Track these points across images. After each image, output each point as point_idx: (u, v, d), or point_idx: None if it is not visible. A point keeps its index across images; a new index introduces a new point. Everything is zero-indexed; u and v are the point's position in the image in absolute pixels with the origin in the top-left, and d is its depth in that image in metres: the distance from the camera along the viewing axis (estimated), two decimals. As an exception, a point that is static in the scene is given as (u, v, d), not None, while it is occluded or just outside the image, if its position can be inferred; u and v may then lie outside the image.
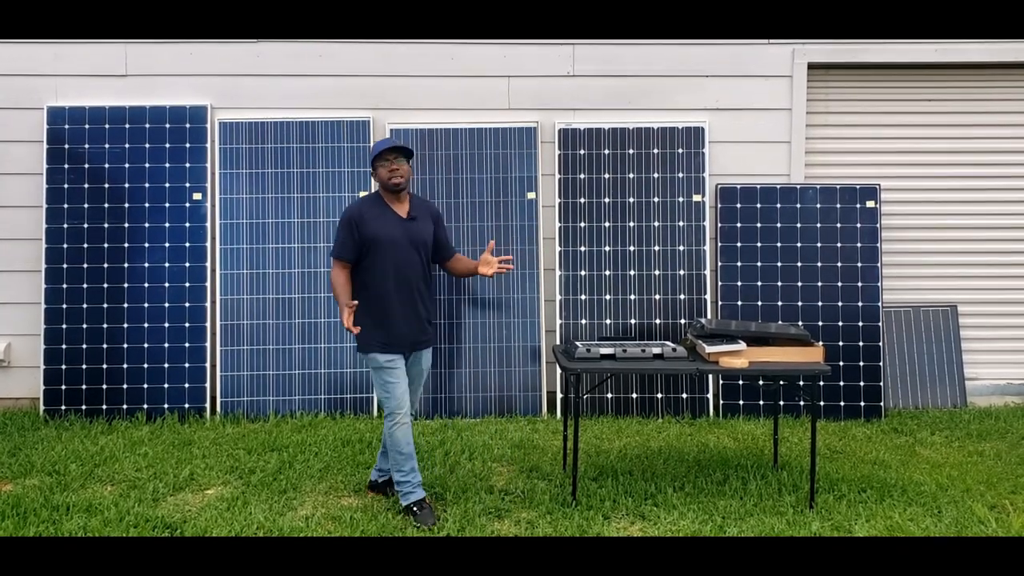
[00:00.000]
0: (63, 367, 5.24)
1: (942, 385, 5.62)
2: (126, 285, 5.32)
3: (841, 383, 5.34)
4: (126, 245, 5.34)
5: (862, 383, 5.33)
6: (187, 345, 5.29)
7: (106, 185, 5.36)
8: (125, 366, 5.26)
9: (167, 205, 5.36)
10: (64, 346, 5.25)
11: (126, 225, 5.35)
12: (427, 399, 5.30)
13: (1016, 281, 5.81)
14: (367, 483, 3.96)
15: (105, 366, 5.25)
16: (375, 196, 3.72)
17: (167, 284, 5.32)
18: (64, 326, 5.26)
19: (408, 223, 3.65)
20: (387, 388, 3.61)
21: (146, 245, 5.34)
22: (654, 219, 5.45)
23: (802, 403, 5.31)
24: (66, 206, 5.33)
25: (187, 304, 5.32)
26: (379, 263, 3.59)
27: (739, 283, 5.41)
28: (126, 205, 5.36)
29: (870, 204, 5.42)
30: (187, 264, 5.34)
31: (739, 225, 5.45)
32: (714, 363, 3.70)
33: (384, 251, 3.58)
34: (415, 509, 3.58)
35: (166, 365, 5.27)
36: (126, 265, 5.33)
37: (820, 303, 5.38)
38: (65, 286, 5.29)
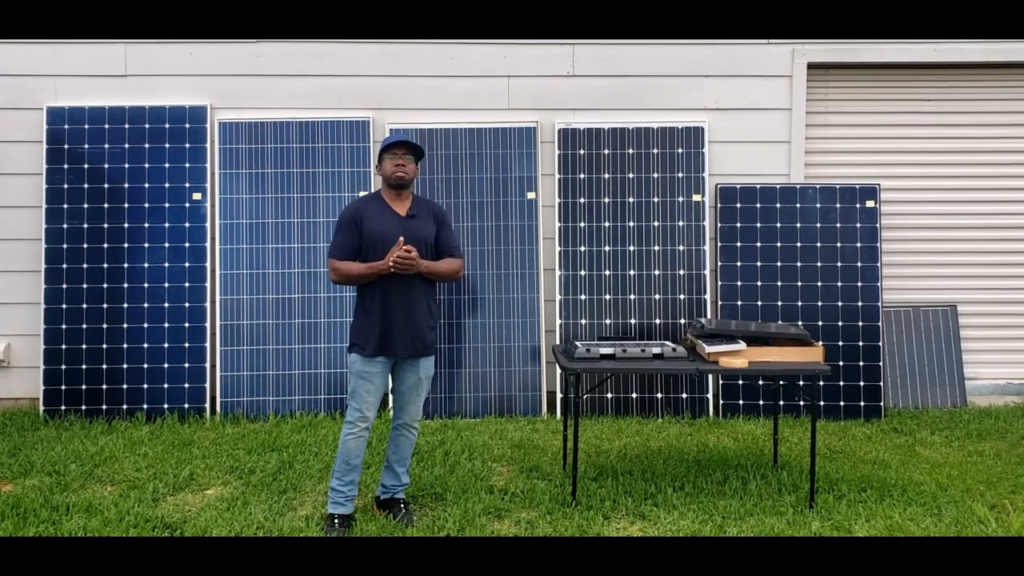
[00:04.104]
0: (63, 367, 5.24)
1: (942, 385, 5.62)
2: (126, 285, 5.32)
3: (841, 383, 5.34)
4: (126, 245, 5.34)
5: (862, 383, 5.33)
6: (187, 345, 5.29)
7: (106, 185, 5.36)
8: (125, 366, 5.26)
9: (167, 205, 5.36)
10: (64, 346, 5.25)
11: (126, 225, 5.35)
12: (427, 399, 5.29)
13: (1016, 281, 5.81)
14: (373, 500, 3.76)
15: (105, 366, 5.25)
16: (375, 195, 3.62)
17: (167, 284, 5.32)
18: (64, 326, 5.26)
19: (407, 221, 3.53)
20: (357, 396, 3.47)
21: (146, 245, 5.34)
22: (654, 219, 5.45)
23: (802, 403, 5.31)
24: (66, 206, 5.33)
25: (187, 304, 5.32)
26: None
27: (739, 283, 5.41)
28: (126, 205, 5.36)
29: (870, 204, 5.42)
30: (187, 264, 5.34)
31: (739, 225, 5.45)
32: (714, 363, 3.70)
33: (383, 250, 3.44)
34: (335, 520, 3.48)
35: (166, 365, 5.27)
36: (126, 265, 5.33)
37: (820, 303, 5.38)
38: (65, 286, 5.29)
